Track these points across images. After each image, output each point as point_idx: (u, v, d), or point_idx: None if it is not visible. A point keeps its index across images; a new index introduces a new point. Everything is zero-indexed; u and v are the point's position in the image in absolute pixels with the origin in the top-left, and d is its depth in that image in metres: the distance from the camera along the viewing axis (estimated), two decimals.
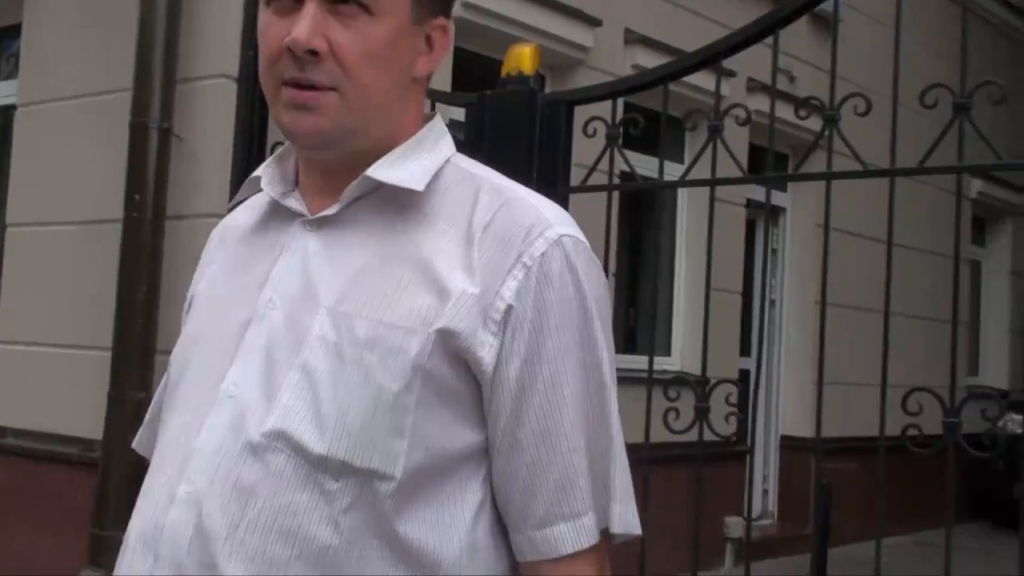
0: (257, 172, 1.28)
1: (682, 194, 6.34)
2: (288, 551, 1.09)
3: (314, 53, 1.13)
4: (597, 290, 1.18)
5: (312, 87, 1.15)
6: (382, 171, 1.18)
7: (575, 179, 3.19)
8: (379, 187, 1.19)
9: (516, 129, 3.12)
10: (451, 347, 1.12)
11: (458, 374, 1.13)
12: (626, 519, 1.18)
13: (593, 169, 3.09)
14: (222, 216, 4.15)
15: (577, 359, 1.15)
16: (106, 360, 4.16)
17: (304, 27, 1.13)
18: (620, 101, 3.22)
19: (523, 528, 1.15)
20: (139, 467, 4.08)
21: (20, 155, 4.98)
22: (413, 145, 1.22)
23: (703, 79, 4.42)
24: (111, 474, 4.09)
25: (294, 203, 1.23)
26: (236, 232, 1.32)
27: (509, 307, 1.12)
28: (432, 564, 1.12)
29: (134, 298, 4.10)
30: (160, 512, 1.15)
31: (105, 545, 4.05)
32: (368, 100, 1.17)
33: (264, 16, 1.19)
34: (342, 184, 1.19)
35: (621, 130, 3.08)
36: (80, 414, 4.38)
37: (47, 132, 4.84)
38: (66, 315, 4.60)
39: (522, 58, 3.20)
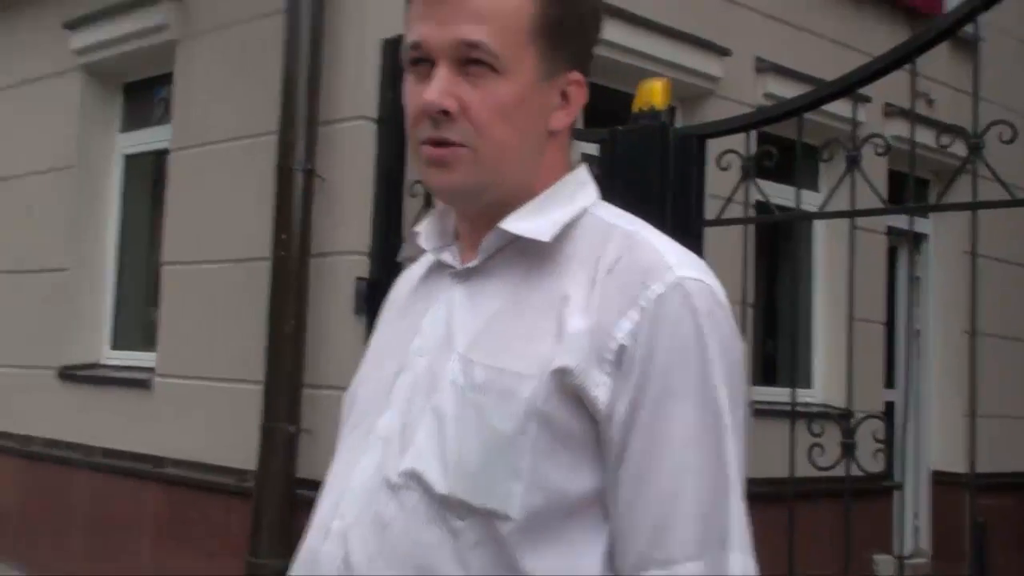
0: (417, 227, 1.36)
1: (819, 223, 6.22)
2: None
3: (446, 113, 1.19)
4: (721, 332, 1.17)
5: (448, 145, 1.21)
6: (514, 223, 1.24)
7: (710, 211, 3.19)
8: (515, 239, 1.24)
9: (648, 164, 3.14)
10: (566, 387, 1.14)
11: (575, 416, 1.15)
12: (746, 568, 1.15)
13: (728, 201, 3.09)
14: (364, 253, 4.30)
15: (691, 403, 1.14)
16: (258, 393, 4.31)
17: (435, 89, 1.20)
18: (753, 132, 3.21)
19: (622, 570, 1.14)
20: (291, 498, 4.24)
21: (174, 197, 5.22)
22: (547, 197, 1.26)
23: (839, 106, 4.36)
24: (265, 504, 4.23)
25: (447, 256, 1.30)
26: (408, 284, 1.41)
27: (622, 347, 1.14)
28: None
29: (283, 333, 4.25)
30: (318, 544, 1.24)
31: (261, 572, 4.19)
32: (499, 155, 1.22)
33: (407, 81, 1.26)
34: (485, 236, 1.25)
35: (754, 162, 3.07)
36: (235, 445, 4.54)
37: (199, 174, 5.07)
38: (220, 349, 4.80)
39: (653, 93, 3.23)
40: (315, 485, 4.55)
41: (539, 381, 1.14)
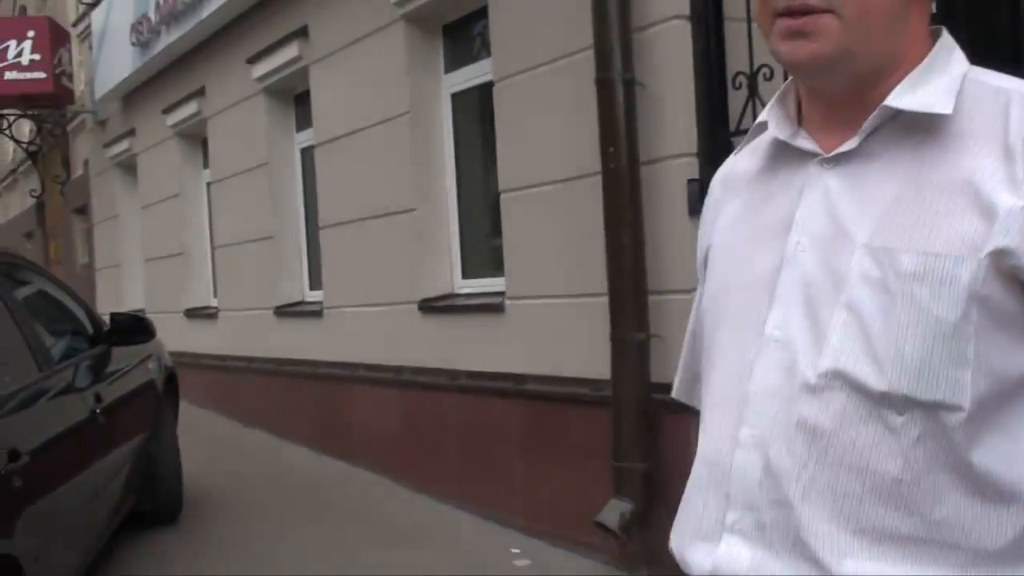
0: (762, 117, 1.29)
1: None
2: (859, 486, 1.10)
3: None
4: None
5: (806, 12, 1.12)
6: (901, 98, 1.14)
7: None
8: (896, 115, 1.15)
9: (998, 31, 2.87)
10: (1005, 268, 1.06)
11: (1015, 296, 1.08)
12: None
13: None
14: (692, 154, 4.27)
15: None
16: (604, 304, 4.43)
17: None
18: None
19: None
20: (647, 402, 4.33)
21: (503, 126, 5.40)
22: (927, 66, 1.16)
23: None
24: (623, 410, 4.36)
25: (805, 143, 1.21)
26: (741, 178, 1.33)
27: None
28: (1009, 495, 1.08)
29: (621, 244, 4.32)
30: (726, 455, 1.20)
31: (627, 476, 4.34)
32: (866, 18, 1.12)
33: None
34: (849, 116, 1.17)
35: None
36: (588, 357, 4.70)
37: (523, 101, 5.21)
38: (564, 267, 4.95)
39: None
40: (670, 388, 4.61)
41: (976, 263, 1.07)
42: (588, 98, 4.50)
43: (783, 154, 1.25)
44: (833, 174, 1.18)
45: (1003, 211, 1.06)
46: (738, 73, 4.08)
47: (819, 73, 1.16)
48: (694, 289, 4.67)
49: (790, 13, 1.13)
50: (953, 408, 1.07)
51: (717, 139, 4.19)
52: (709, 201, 1.41)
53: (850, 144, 1.17)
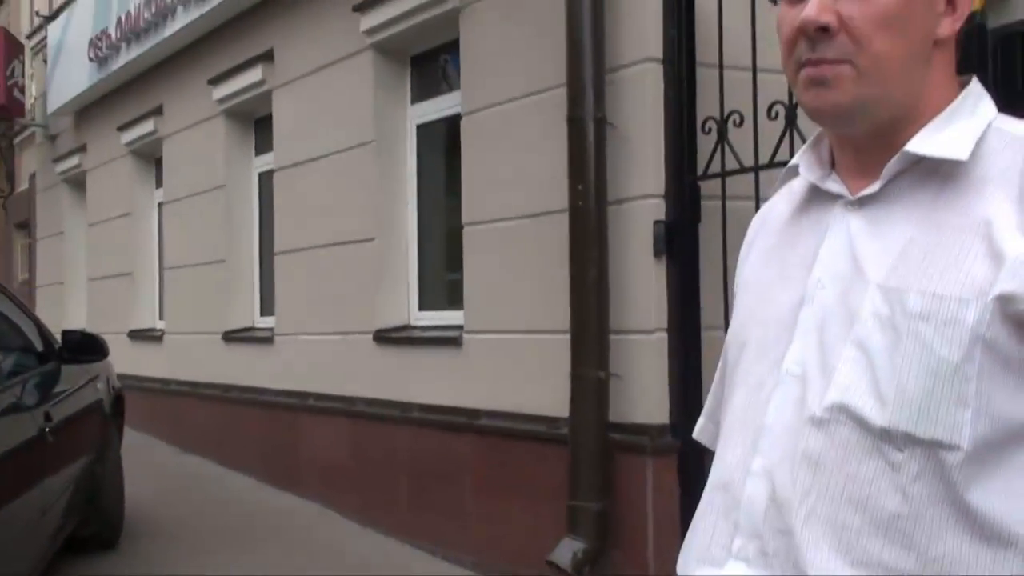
0: (794, 160, 1.32)
1: None
2: (858, 518, 1.12)
3: (825, 29, 1.15)
4: None
5: (826, 63, 1.16)
6: (922, 144, 1.17)
7: None
8: (920, 160, 1.18)
9: (966, 71, 2.95)
10: (1011, 313, 1.08)
11: (1020, 341, 1.09)
12: None
13: None
14: (660, 195, 4.30)
15: None
16: (565, 342, 4.42)
17: (813, 5, 1.15)
18: None
19: None
20: (605, 442, 4.32)
21: (468, 160, 5.40)
22: (949, 114, 1.19)
23: None
24: (580, 449, 4.34)
25: (833, 185, 1.25)
26: (778, 219, 1.37)
27: None
28: (1006, 537, 1.09)
29: (586, 281, 4.32)
30: (737, 485, 1.23)
31: (582, 515, 4.31)
32: (883, 69, 1.15)
33: (780, 8, 1.22)
34: (876, 161, 1.20)
35: None
36: (545, 394, 4.68)
37: (490, 135, 5.22)
38: (525, 303, 4.93)
39: None
40: (627, 428, 4.62)
41: (982, 306, 1.09)
42: (556, 135, 4.51)
43: (815, 197, 1.29)
44: (857, 216, 1.22)
45: (1011, 257, 1.08)
46: (708, 118, 4.12)
47: (840, 121, 1.21)
48: (656, 330, 4.66)
49: (810, 64, 1.17)
50: (951, 447, 1.09)
51: (684, 182, 4.22)
52: (746, 242, 1.45)
53: (873, 188, 1.20)
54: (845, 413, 1.14)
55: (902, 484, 1.10)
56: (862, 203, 1.21)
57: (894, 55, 1.15)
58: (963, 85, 1.23)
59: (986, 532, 1.09)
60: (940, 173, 1.17)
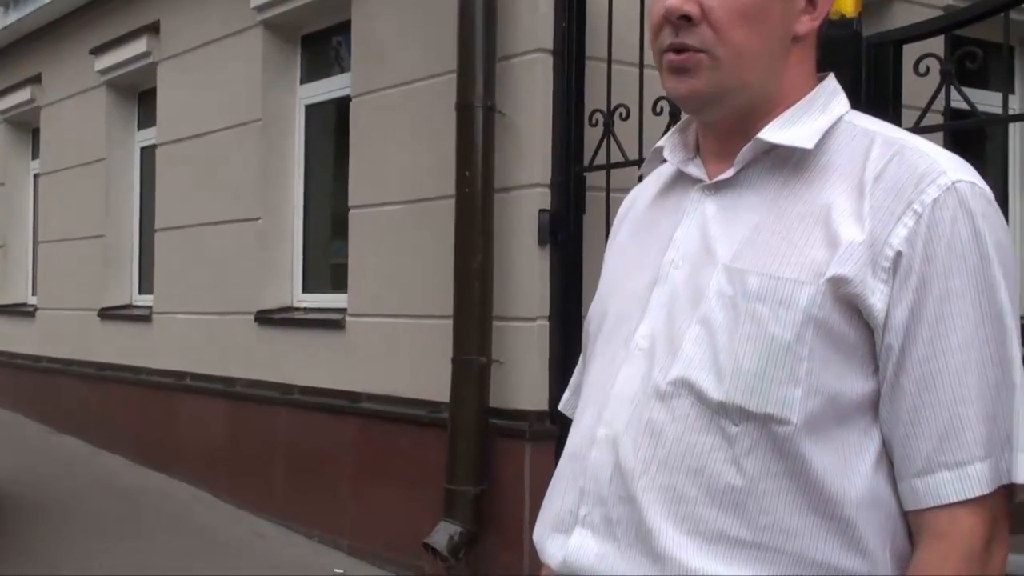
0: (660, 143, 1.37)
1: (1014, 129, 5.91)
2: (695, 488, 1.17)
3: (687, 19, 1.20)
4: (997, 235, 1.15)
5: (687, 51, 1.22)
6: (773, 132, 1.23)
7: (905, 122, 3.09)
8: (772, 149, 1.24)
9: (840, 74, 3.06)
10: (842, 295, 1.14)
11: (851, 323, 1.15)
12: None
13: (928, 109, 2.98)
14: (546, 185, 4.35)
15: (971, 305, 1.13)
16: (448, 327, 4.44)
17: None
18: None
19: (905, 476, 1.15)
20: (484, 427, 4.39)
21: (357, 143, 5.37)
22: (804, 106, 1.25)
23: None
24: (459, 433, 4.37)
25: (693, 169, 1.32)
26: (644, 200, 1.43)
27: (898, 253, 1.13)
28: (834, 507, 1.15)
29: (470, 267, 4.35)
30: (584, 451, 1.28)
31: (459, 499, 4.34)
32: (740, 60, 1.21)
33: None
34: (734, 147, 1.25)
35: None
36: (427, 378, 4.70)
37: (380, 118, 5.20)
38: (409, 287, 4.94)
39: (844, 0, 3.13)
40: (507, 414, 4.69)
41: (815, 288, 1.14)
42: (445, 122, 4.53)
43: (678, 180, 1.35)
44: (712, 200, 1.28)
45: (845, 242, 1.14)
46: (595, 111, 4.18)
47: (699, 107, 1.27)
48: (538, 317, 4.71)
49: (673, 50, 1.23)
50: (783, 421, 1.14)
51: (571, 172, 4.29)
52: (615, 221, 1.50)
53: (727, 173, 1.27)
54: (686, 387, 1.19)
55: (736, 456, 1.16)
56: (718, 187, 1.28)
57: (751, 47, 1.21)
58: (821, 82, 1.29)
59: (816, 503, 1.15)
60: (790, 162, 1.23)
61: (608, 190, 4.09)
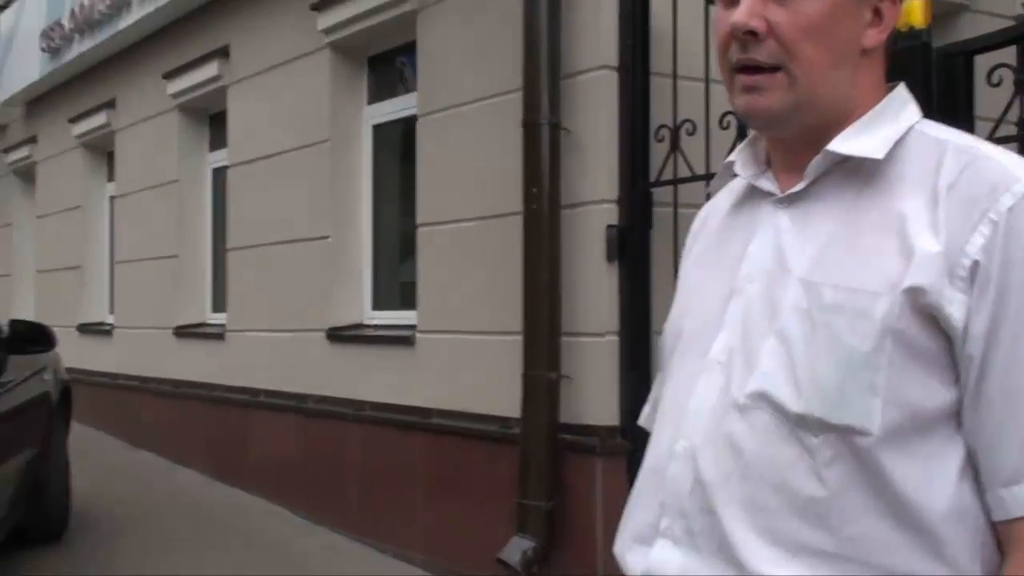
0: (731, 157, 1.38)
1: None
2: (776, 500, 1.17)
3: (754, 34, 1.21)
4: None
5: (758, 68, 1.22)
6: (842, 144, 1.23)
7: (979, 133, 3.05)
8: (843, 160, 1.24)
9: (911, 86, 3.04)
10: (919, 305, 1.14)
11: (929, 333, 1.14)
12: None
13: (1001, 120, 2.95)
14: (613, 201, 4.37)
15: None
16: (517, 343, 4.47)
17: (742, 10, 1.21)
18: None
19: (992, 486, 1.14)
20: (555, 442, 4.39)
21: (423, 161, 5.44)
22: (873, 116, 1.25)
23: None
24: (530, 449, 4.40)
25: (765, 183, 1.32)
26: (717, 216, 1.44)
27: (975, 263, 1.12)
28: (918, 517, 1.14)
29: (539, 283, 4.38)
30: (662, 465, 1.30)
31: (531, 514, 4.36)
32: (811, 75, 1.21)
33: (717, 10, 1.29)
34: (805, 160, 1.26)
35: None
36: (497, 394, 4.73)
37: (446, 137, 5.26)
38: (478, 304, 4.98)
39: (912, 11, 3.12)
40: (577, 429, 4.69)
41: (892, 299, 1.14)
42: (512, 139, 4.57)
43: (751, 194, 1.36)
44: (785, 213, 1.29)
45: (920, 252, 1.14)
46: (661, 126, 4.20)
47: (773, 125, 1.28)
48: (607, 333, 4.72)
49: (743, 69, 1.24)
50: (863, 433, 1.14)
51: (637, 188, 4.30)
52: (689, 236, 1.51)
53: (799, 186, 1.27)
54: (765, 400, 1.20)
55: (817, 468, 1.16)
56: (790, 200, 1.28)
57: (821, 62, 1.22)
58: (891, 92, 1.29)
59: (898, 514, 1.14)
60: (862, 173, 1.24)
61: (676, 205, 4.10)
